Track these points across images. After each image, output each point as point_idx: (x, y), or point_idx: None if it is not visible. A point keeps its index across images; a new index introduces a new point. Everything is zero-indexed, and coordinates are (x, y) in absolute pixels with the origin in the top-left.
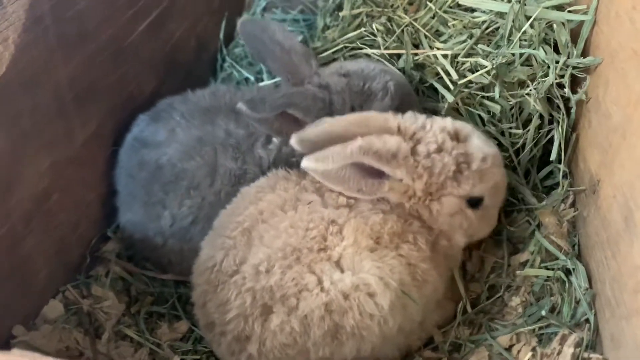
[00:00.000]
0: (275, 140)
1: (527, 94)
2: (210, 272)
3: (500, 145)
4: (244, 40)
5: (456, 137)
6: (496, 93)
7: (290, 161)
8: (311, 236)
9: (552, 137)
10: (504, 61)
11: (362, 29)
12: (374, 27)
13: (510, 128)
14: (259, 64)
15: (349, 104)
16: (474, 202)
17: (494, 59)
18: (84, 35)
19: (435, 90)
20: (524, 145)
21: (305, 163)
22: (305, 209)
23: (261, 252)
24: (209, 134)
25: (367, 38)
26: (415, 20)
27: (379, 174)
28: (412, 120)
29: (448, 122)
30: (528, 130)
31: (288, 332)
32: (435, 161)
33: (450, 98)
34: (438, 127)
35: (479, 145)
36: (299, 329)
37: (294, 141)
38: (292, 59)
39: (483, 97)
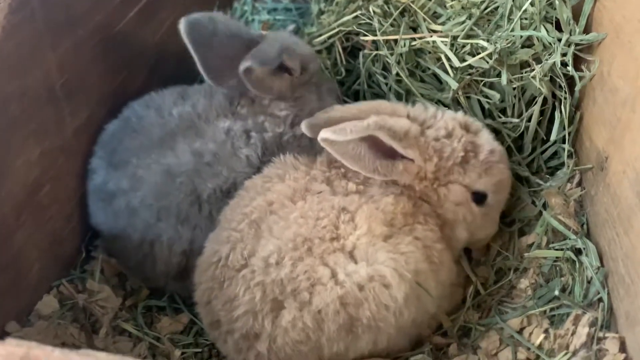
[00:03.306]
0: (253, 133)
1: (532, 76)
2: (215, 267)
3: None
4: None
5: (466, 128)
6: (503, 79)
7: (281, 144)
8: (322, 225)
9: (554, 117)
10: (507, 45)
11: (359, 12)
12: (370, 10)
13: (513, 115)
14: None
15: None
16: (478, 199)
17: (495, 43)
18: (73, 20)
19: (435, 76)
20: (527, 128)
21: (323, 134)
22: (314, 199)
23: (271, 244)
24: (175, 165)
25: (363, 22)
26: (413, 2)
27: (392, 155)
28: (421, 109)
29: (459, 115)
30: (531, 114)
31: (300, 328)
32: (445, 145)
33: (454, 85)
34: (449, 116)
35: (488, 139)
36: (312, 325)
37: (304, 126)
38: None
39: (485, 83)
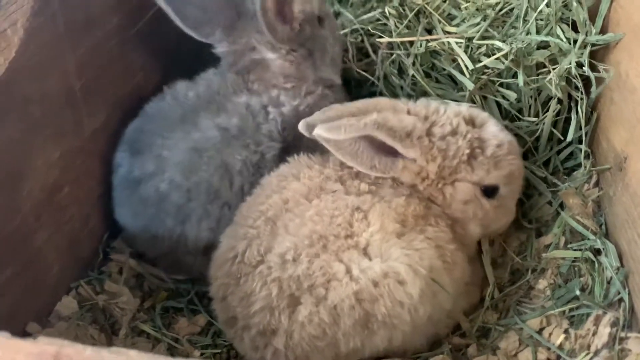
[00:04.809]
0: (271, 108)
1: (548, 81)
2: (231, 263)
3: (517, 134)
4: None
5: (472, 122)
6: (520, 80)
7: (301, 114)
8: (337, 223)
9: (570, 117)
10: (523, 46)
11: (374, 12)
12: (386, 10)
13: (530, 115)
14: None
15: None
16: (489, 191)
17: (511, 43)
18: (91, 22)
19: (450, 76)
20: (543, 130)
21: (318, 131)
22: (329, 197)
23: (287, 241)
24: (201, 139)
25: (379, 22)
26: (427, 3)
27: (393, 152)
28: (424, 104)
29: (463, 108)
30: (545, 116)
31: (317, 323)
32: (450, 144)
33: (470, 86)
34: (452, 111)
35: (495, 131)
36: (329, 320)
37: (301, 126)
38: None
39: (502, 84)
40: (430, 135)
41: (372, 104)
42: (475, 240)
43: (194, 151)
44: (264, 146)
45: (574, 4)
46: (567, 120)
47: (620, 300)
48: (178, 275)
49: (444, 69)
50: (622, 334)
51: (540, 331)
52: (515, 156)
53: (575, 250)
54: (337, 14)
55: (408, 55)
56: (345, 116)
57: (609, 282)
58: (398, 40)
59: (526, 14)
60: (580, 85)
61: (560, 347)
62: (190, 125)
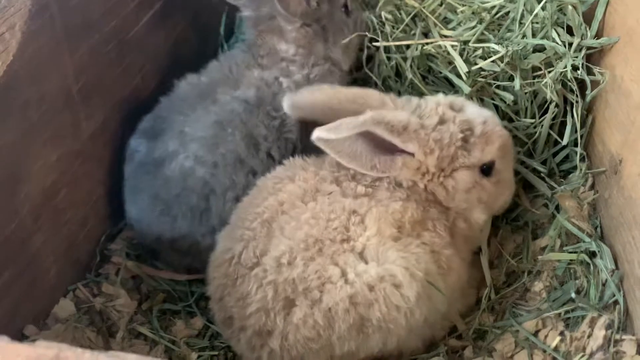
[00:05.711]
0: (282, 79)
1: (544, 84)
2: (228, 265)
3: (515, 136)
4: None
5: (453, 108)
6: (516, 84)
7: (312, 82)
8: (333, 227)
9: (566, 120)
10: (519, 49)
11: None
12: (382, 15)
13: (526, 117)
14: None
15: None
16: (487, 170)
17: (507, 46)
18: (89, 25)
19: (447, 79)
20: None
21: (317, 133)
22: (325, 200)
23: (283, 244)
24: (222, 112)
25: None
26: (424, 7)
27: (391, 151)
28: (405, 100)
29: (440, 97)
30: (543, 119)
31: (311, 325)
32: (443, 132)
33: (466, 89)
34: (433, 102)
35: (476, 110)
36: (323, 323)
37: (286, 104)
38: None
39: (498, 87)
40: (424, 128)
41: (361, 95)
42: (480, 228)
43: (218, 125)
44: (283, 112)
45: (570, 7)
46: (563, 123)
47: (615, 302)
48: (180, 276)
49: (441, 72)
50: (617, 337)
51: (536, 333)
52: (500, 127)
53: (570, 252)
54: None
55: (405, 59)
56: (333, 101)
57: (604, 285)
58: (394, 44)
59: (522, 17)
60: (575, 88)
61: (556, 349)
62: (210, 101)
